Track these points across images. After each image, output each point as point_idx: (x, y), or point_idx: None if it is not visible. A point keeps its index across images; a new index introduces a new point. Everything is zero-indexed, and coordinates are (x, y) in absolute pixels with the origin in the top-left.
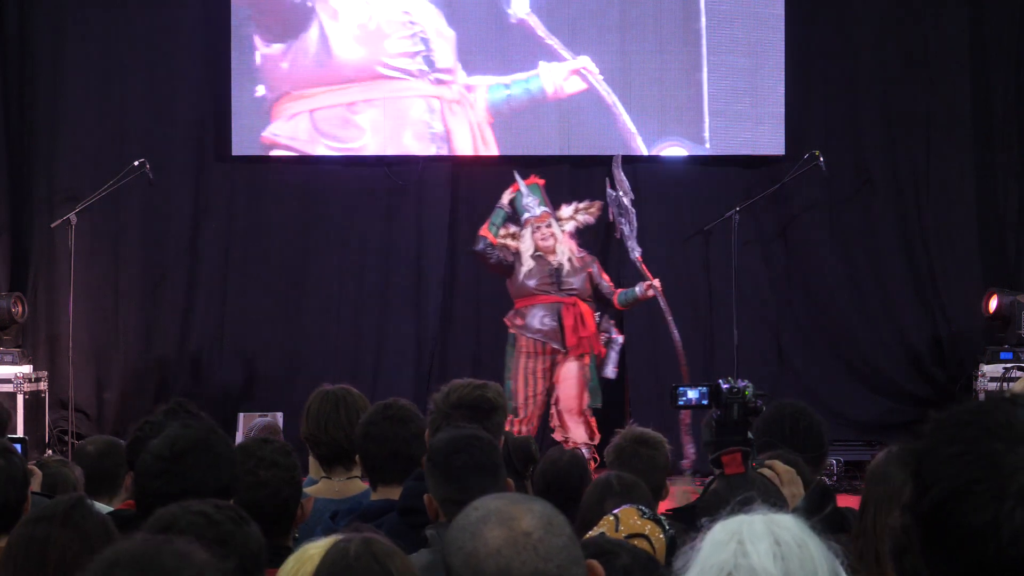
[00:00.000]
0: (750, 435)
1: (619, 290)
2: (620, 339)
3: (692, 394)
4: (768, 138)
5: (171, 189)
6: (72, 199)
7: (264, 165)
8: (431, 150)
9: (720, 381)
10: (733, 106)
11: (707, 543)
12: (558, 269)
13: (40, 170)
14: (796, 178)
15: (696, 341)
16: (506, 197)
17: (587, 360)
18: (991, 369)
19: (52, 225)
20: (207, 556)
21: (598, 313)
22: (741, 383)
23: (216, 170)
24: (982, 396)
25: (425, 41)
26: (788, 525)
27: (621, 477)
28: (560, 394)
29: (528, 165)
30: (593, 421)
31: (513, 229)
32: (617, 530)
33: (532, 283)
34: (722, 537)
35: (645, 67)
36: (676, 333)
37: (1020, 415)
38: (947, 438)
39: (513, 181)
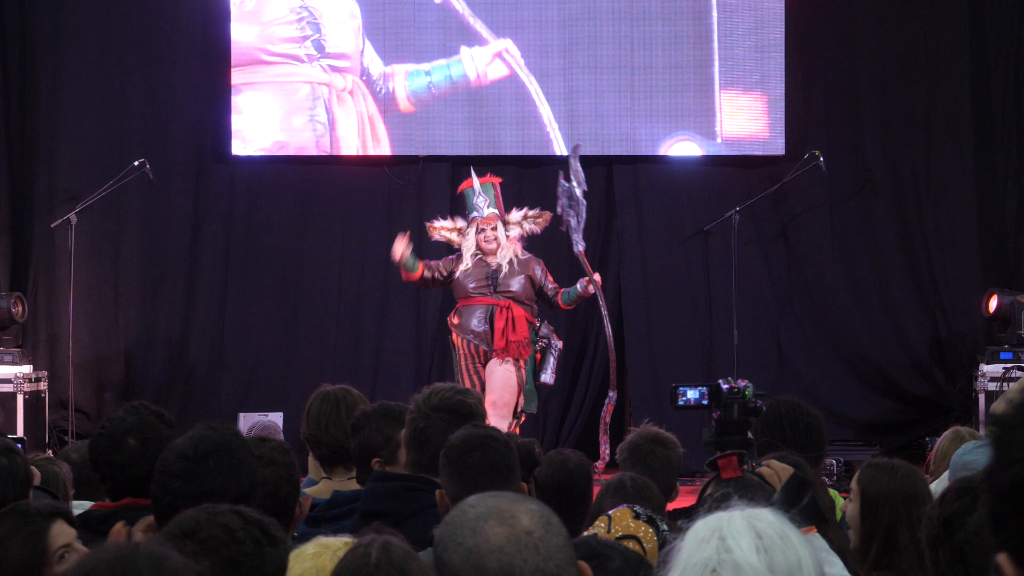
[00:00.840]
0: (750, 435)
1: (563, 290)
2: (559, 345)
3: (692, 394)
4: (768, 138)
5: (171, 189)
6: (72, 199)
7: (263, 166)
8: (311, 141)
9: (720, 381)
10: (730, 106)
11: (688, 541)
12: (496, 271)
13: (40, 170)
14: (796, 178)
15: (696, 341)
16: (433, 232)
17: (523, 364)
18: (991, 369)
19: (52, 225)
20: (181, 560)
21: (538, 319)
22: (741, 383)
23: (216, 170)
24: (982, 396)
25: (315, 25)
26: (768, 519)
27: (635, 479)
28: (490, 391)
29: (529, 165)
30: (517, 426)
31: (461, 224)
32: (610, 531)
33: (470, 284)
34: (703, 534)
35: (651, 63)
36: (610, 329)
37: None
38: None
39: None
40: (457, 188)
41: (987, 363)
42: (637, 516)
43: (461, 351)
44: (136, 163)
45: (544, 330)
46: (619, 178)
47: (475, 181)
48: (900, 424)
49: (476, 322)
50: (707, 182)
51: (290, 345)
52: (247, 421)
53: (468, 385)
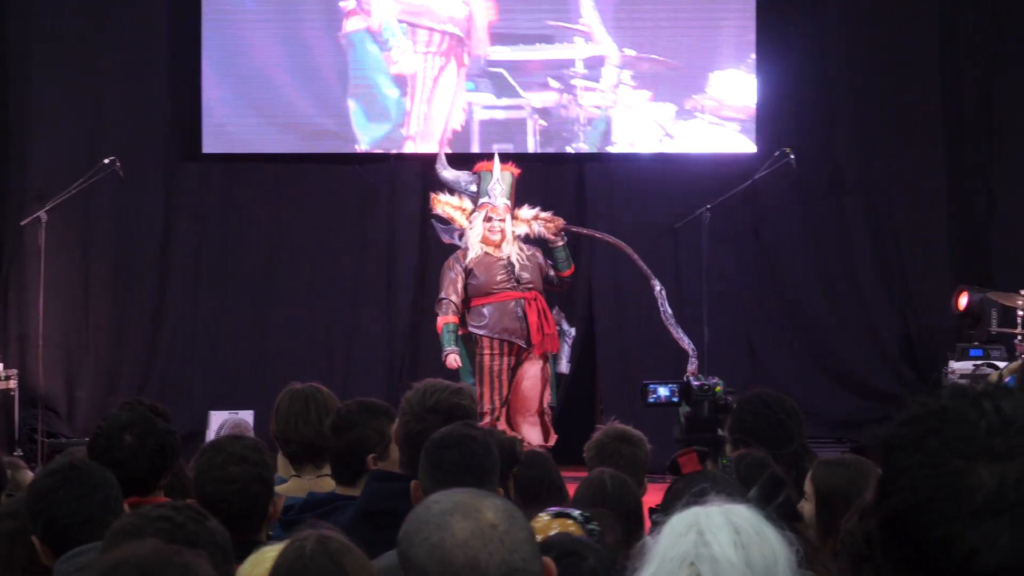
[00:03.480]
0: (720, 432)
1: (550, 264)
2: (572, 331)
3: (663, 391)
4: (739, 135)
5: (142, 187)
6: (42, 197)
7: (235, 163)
8: (283, 138)
9: (691, 378)
10: (703, 103)
11: (665, 535)
12: (511, 264)
13: (11, 168)
14: (767, 176)
15: (666, 339)
16: (436, 205)
17: (548, 358)
18: (961, 366)
19: (22, 223)
20: (212, 572)
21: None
22: (712, 380)
23: (187, 168)
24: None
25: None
26: (745, 514)
27: (615, 478)
28: (517, 395)
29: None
30: (549, 420)
31: (467, 204)
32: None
33: (495, 278)
34: (680, 528)
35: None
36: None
37: (982, 425)
38: (910, 444)
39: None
40: (428, 184)
41: (957, 360)
42: (558, 515)
43: (486, 351)
44: (106, 161)
45: (556, 315)
46: (590, 176)
47: (496, 166)
48: (870, 421)
49: (509, 319)
50: (678, 180)
51: (261, 343)
52: (218, 419)
53: (488, 388)
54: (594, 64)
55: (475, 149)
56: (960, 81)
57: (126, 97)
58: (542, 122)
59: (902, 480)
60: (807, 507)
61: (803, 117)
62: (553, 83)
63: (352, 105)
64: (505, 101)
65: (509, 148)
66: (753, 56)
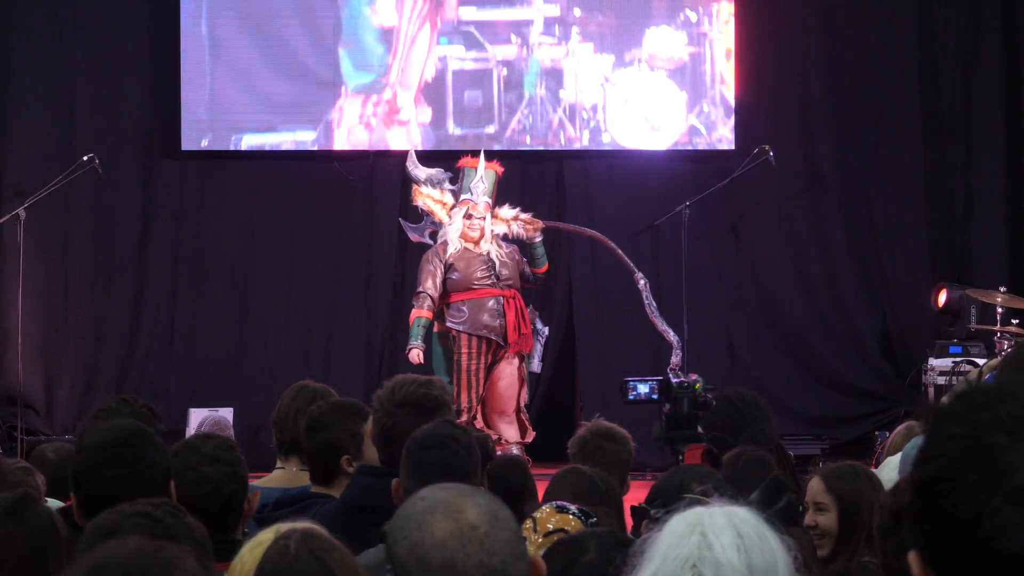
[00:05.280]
0: (700, 429)
1: (526, 260)
2: (545, 330)
3: (642, 388)
4: (718, 133)
5: (121, 185)
6: (20, 194)
7: (214, 161)
8: (263, 136)
9: (670, 375)
10: (681, 100)
11: (667, 535)
12: (491, 261)
13: None
14: (746, 173)
15: (646, 336)
16: (417, 197)
17: (523, 357)
18: (940, 363)
19: (0, 220)
20: (198, 568)
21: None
22: (692, 377)
23: (165, 165)
24: (931, 391)
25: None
26: (747, 517)
27: (602, 476)
28: (493, 394)
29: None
30: (526, 419)
31: (448, 198)
32: (536, 531)
33: (464, 274)
34: (683, 529)
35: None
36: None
37: None
38: (960, 415)
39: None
40: (407, 181)
41: (936, 357)
42: (562, 510)
43: (464, 350)
44: (85, 158)
45: (530, 314)
46: (569, 173)
47: (481, 163)
48: (849, 418)
49: (488, 316)
50: (657, 177)
51: (240, 340)
52: (197, 416)
53: (465, 386)
54: (548, 23)
55: (448, 95)
56: (938, 79)
57: (104, 94)
58: (504, 71)
59: (942, 448)
60: (826, 518)
61: (782, 115)
62: (514, 39)
63: (342, 53)
64: (473, 54)
65: (477, 95)
66: (682, 16)
